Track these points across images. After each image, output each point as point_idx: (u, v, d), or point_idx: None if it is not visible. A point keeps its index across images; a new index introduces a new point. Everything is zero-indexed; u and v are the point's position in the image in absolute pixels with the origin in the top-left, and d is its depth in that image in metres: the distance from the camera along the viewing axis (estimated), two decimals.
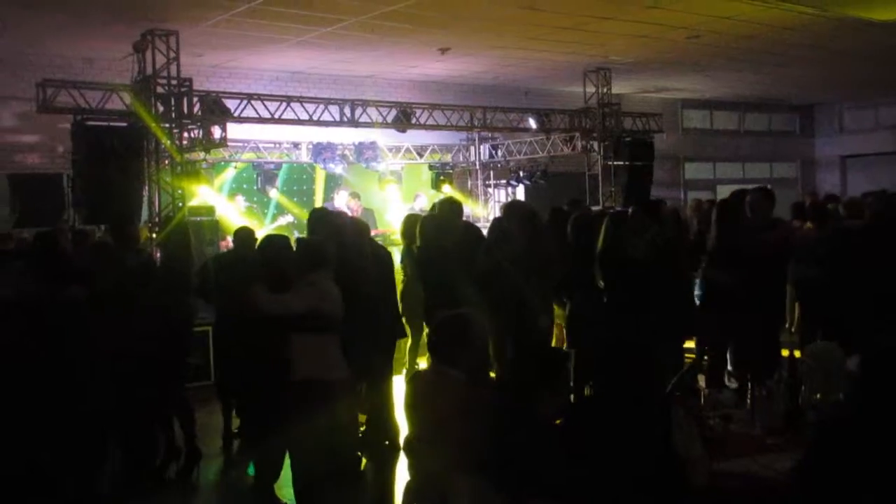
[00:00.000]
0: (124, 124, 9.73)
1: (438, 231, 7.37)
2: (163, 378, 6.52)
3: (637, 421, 3.51)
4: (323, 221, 6.95)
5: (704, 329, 7.60)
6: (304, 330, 5.35)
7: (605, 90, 13.98)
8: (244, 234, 7.45)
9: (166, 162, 10.07)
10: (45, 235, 6.62)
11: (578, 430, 3.61)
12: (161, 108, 9.89)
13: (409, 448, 4.48)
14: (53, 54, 11.46)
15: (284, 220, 13.18)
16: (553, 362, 4.20)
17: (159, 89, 9.88)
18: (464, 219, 8.40)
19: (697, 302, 7.81)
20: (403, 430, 5.58)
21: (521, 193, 15.59)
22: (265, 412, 5.75)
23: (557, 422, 3.77)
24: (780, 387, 4.53)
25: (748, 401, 4.64)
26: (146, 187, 9.94)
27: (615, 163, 13.84)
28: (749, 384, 4.69)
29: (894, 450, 2.94)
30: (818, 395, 4.63)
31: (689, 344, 7.90)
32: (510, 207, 8.07)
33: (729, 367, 7.73)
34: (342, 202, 13.12)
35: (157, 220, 9.95)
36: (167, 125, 10.00)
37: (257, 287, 5.41)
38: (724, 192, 16.54)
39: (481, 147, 15.78)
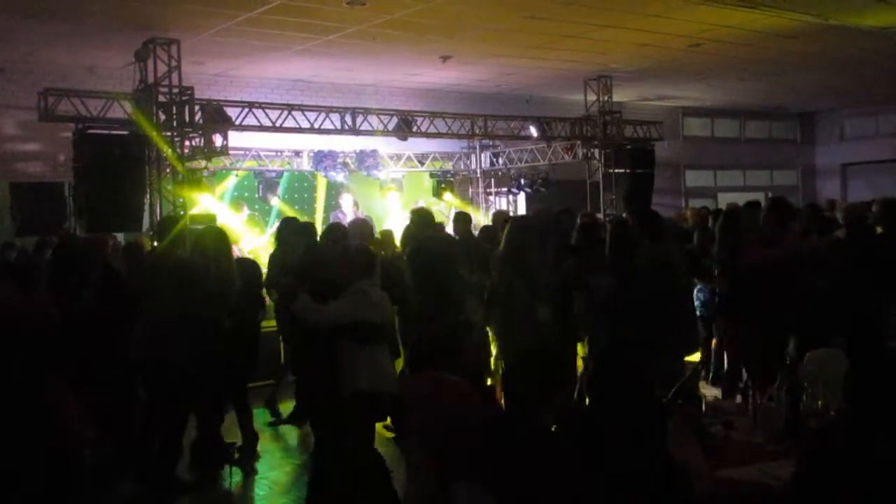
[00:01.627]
0: (125, 133, 9.76)
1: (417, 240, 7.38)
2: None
3: (631, 429, 3.50)
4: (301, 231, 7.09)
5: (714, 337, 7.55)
6: (352, 340, 5.29)
7: (605, 98, 14.00)
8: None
9: (168, 170, 10.07)
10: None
11: (574, 437, 3.60)
12: (162, 117, 9.90)
13: (408, 455, 4.48)
14: (55, 63, 11.48)
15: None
16: (552, 365, 4.19)
17: (161, 98, 9.89)
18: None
19: (699, 311, 7.79)
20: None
21: (521, 201, 15.61)
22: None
23: (554, 428, 3.76)
24: (782, 394, 4.51)
25: (750, 408, 4.63)
26: (148, 195, 9.95)
27: (616, 170, 13.85)
28: (751, 391, 4.68)
29: (887, 457, 2.94)
30: (820, 403, 4.62)
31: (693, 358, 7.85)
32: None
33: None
34: (349, 207, 13.16)
35: (158, 228, 9.95)
36: (168, 133, 10.02)
37: (303, 296, 5.35)
38: (724, 200, 16.59)
39: (482, 155, 15.80)
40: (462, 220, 9.00)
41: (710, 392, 7.28)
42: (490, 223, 10.17)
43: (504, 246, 6.44)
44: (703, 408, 4.81)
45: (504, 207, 15.68)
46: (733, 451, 4.22)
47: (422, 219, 7.79)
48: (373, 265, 5.61)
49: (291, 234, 7.73)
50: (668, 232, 7.62)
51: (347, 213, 13.33)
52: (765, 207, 7.46)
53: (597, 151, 14.00)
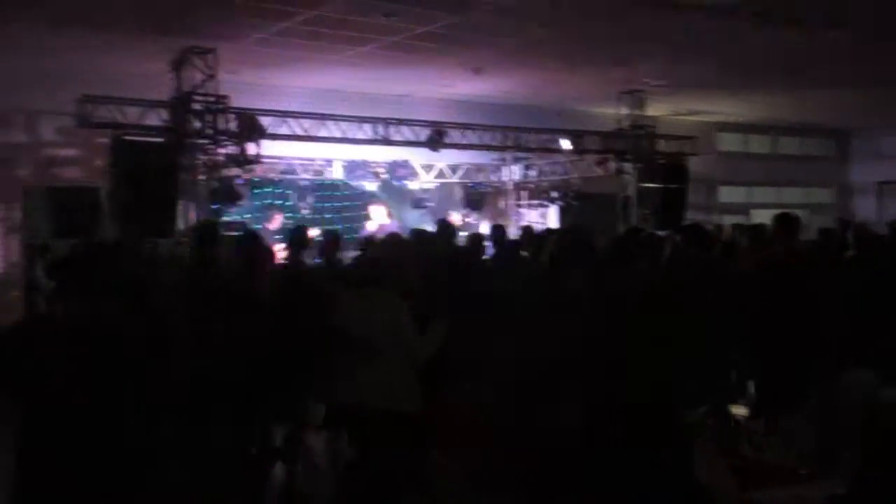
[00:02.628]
0: (161, 140, 9.85)
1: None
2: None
3: (658, 448, 3.49)
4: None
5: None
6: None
7: (638, 112, 13.95)
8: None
9: (201, 178, 10.16)
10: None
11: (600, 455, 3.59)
12: (197, 125, 10.00)
13: None
14: (93, 70, 11.62)
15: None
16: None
17: (196, 106, 9.98)
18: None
19: None
20: None
21: (553, 214, 15.58)
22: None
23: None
24: (814, 416, 4.46)
25: (780, 429, 4.58)
26: (181, 202, 10.04)
27: (648, 185, 13.79)
28: (783, 413, 4.63)
29: None
30: (852, 426, 4.55)
31: None
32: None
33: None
34: (379, 216, 13.24)
35: (196, 235, 10.03)
36: (203, 141, 10.12)
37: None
38: (758, 216, 16.44)
39: (514, 167, 15.79)
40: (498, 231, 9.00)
41: (740, 412, 7.18)
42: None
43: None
44: (733, 428, 4.77)
45: (535, 220, 15.66)
46: (763, 472, 4.17)
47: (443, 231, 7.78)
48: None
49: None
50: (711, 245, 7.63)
51: (378, 222, 13.41)
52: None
53: (629, 166, 13.95)
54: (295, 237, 7.35)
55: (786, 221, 7.10)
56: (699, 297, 6.40)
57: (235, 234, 8.81)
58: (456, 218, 13.79)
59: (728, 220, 16.60)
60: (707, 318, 6.52)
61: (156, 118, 10.04)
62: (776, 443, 4.55)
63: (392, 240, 7.66)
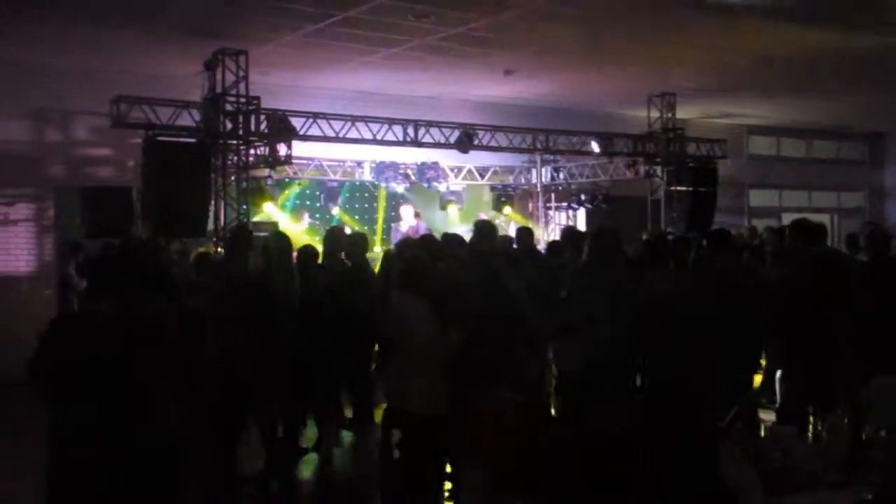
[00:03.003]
0: (193, 140, 9.94)
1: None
2: None
3: (684, 449, 3.48)
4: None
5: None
6: None
7: (669, 115, 13.88)
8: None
9: (232, 178, 10.25)
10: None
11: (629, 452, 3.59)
12: (229, 125, 10.08)
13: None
14: (127, 70, 11.76)
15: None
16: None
17: (228, 107, 10.06)
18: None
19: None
20: None
21: (581, 217, 15.54)
22: None
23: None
24: (843, 421, 4.43)
25: (809, 435, 4.56)
26: (212, 202, 10.12)
27: (678, 188, 13.71)
28: (811, 417, 4.61)
29: None
30: (883, 432, 4.52)
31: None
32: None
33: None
34: (409, 217, 13.31)
35: (221, 234, 10.12)
36: (234, 142, 10.20)
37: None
38: (790, 220, 16.27)
39: (543, 169, 15.77)
40: (526, 233, 9.00)
41: (769, 417, 7.14)
42: (557, 238, 10.17)
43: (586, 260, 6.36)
44: (762, 433, 4.75)
45: (564, 222, 15.65)
46: (791, 478, 4.15)
47: (485, 231, 7.76)
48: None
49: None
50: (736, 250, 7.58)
51: (407, 223, 13.47)
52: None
53: (659, 168, 13.89)
54: (238, 237, 7.28)
55: (801, 229, 7.07)
56: (721, 301, 6.38)
57: (264, 234, 8.92)
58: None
59: (758, 223, 16.51)
60: (733, 321, 6.51)
61: (188, 119, 10.13)
62: (805, 448, 4.52)
63: (424, 242, 7.71)
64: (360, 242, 8.00)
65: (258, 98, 10.22)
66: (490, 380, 5.45)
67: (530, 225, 15.11)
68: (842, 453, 4.29)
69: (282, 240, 7.37)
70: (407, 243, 8.08)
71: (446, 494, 5.86)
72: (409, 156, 13.27)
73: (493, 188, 15.16)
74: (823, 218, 17.98)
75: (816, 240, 7.04)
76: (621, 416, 4.36)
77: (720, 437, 4.25)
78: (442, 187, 13.97)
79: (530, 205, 15.98)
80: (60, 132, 11.89)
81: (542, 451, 3.98)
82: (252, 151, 10.57)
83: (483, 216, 13.92)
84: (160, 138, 9.68)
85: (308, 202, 13.75)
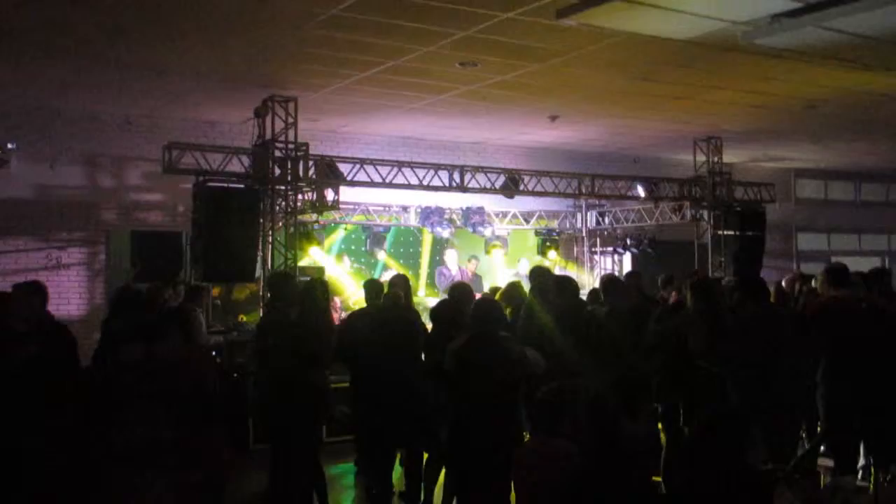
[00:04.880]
0: (242, 186, 10.08)
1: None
2: None
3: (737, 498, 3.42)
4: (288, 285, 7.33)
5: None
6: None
7: (715, 159, 13.81)
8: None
9: (280, 223, 10.36)
10: None
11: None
12: (277, 171, 10.21)
13: None
14: (179, 118, 12.01)
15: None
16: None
17: (277, 153, 10.21)
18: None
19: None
20: None
21: (627, 261, 15.46)
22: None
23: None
24: None
25: (871, 486, 4.45)
26: (260, 247, 10.22)
27: (725, 232, 13.60)
28: (872, 469, 4.50)
29: None
30: None
31: None
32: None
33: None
34: (453, 261, 13.36)
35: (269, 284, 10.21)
36: (282, 188, 10.33)
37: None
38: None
39: (588, 214, 15.75)
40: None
41: (827, 464, 6.97)
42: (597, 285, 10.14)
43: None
44: (821, 483, 4.65)
45: (609, 267, 15.58)
46: None
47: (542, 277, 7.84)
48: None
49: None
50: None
51: (452, 268, 13.51)
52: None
53: (706, 212, 13.78)
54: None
55: (830, 272, 7.10)
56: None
57: (306, 279, 9.01)
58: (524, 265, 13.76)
59: (806, 268, 16.29)
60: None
61: (238, 164, 10.29)
62: (865, 500, 4.42)
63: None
64: (400, 284, 8.04)
65: (306, 144, 10.37)
66: None
67: (575, 270, 15.09)
68: None
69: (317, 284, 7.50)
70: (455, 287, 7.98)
71: None
72: (455, 201, 13.34)
73: (537, 233, 15.15)
74: (874, 262, 17.76)
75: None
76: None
77: (776, 485, 4.15)
78: (487, 232, 13.99)
79: (575, 249, 15.94)
80: (113, 177, 12.11)
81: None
82: (300, 197, 10.69)
83: (525, 260, 13.94)
84: (210, 184, 9.84)
85: (353, 246, 13.84)
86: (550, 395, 4.58)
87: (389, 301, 7.61)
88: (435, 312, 7.29)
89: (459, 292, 7.20)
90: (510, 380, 5.56)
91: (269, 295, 8.10)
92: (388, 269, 13.57)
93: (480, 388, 5.52)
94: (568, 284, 7.58)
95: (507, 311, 7.88)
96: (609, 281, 8.44)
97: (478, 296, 11.04)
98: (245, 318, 11.42)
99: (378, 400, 7.08)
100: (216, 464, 4.74)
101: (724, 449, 3.67)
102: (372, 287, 8.19)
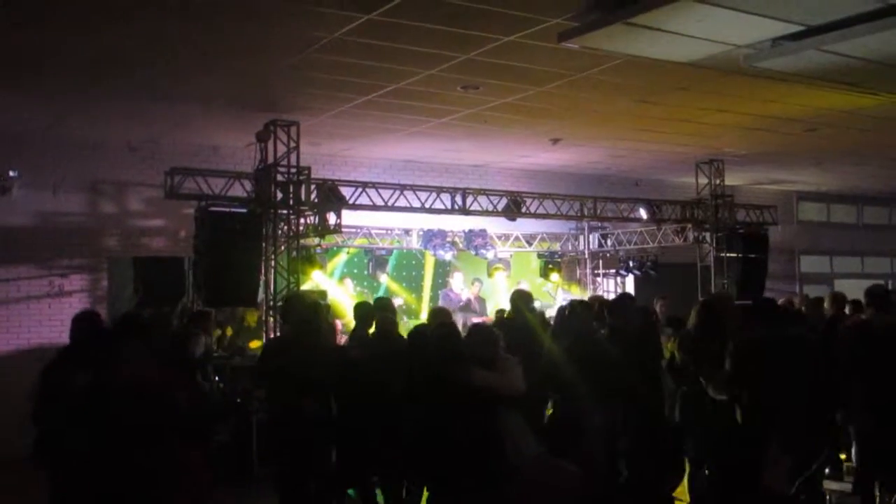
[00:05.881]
0: (244, 210, 10.08)
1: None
2: None
3: None
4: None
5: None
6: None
7: (717, 181, 13.82)
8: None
9: (283, 247, 10.35)
10: None
11: None
12: (280, 195, 10.21)
13: None
14: (181, 143, 12.01)
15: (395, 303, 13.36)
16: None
17: (279, 177, 10.21)
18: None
19: None
20: None
21: (630, 283, 15.43)
22: None
23: None
24: None
25: None
26: (262, 271, 10.20)
27: (728, 255, 13.59)
28: (878, 492, 4.46)
29: None
30: None
31: None
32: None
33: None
34: (459, 284, 13.35)
35: (272, 303, 10.19)
36: (284, 211, 10.32)
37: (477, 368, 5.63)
38: (841, 287, 16.01)
39: (590, 236, 15.74)
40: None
41: (836, 487, 6.90)
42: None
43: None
44: None
45: (612, 289, 15.54)
46: None
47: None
48: None
49: None
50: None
51: (458, 291, 13.48)
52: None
53: (708, 235, 13.78)
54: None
55: (875, 296, 7.03)
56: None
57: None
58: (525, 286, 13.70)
59: (809, 290, 16.26)
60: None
61: (240, 189, 10.29)
62: None
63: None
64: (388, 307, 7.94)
65: (308, 168, 10.38)
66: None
67: (578, 292, 15.06)
68: None
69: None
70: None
71: None
72: (457, 223, 13.34)
73: (540, 255, 15.13)
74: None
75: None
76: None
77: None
78: (489, 254, 13.98)
79: (578, 271, 15.92)
80: (115, 204, 12.08)
81: None
82: (302, 220, 10.68)
83: (525, 283, 13.86)
84: (212, 208, 9.83)
85: (356, 270, 13.83)
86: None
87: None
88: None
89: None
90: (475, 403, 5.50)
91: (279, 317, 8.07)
92: (392, 294, 13.55)
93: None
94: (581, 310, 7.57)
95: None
96: (614, 302, 8.40)
97: (481, 319, 11.07)
98: (253, 346, 11.34)
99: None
100: (194, 486, 4.71)
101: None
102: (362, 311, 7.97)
